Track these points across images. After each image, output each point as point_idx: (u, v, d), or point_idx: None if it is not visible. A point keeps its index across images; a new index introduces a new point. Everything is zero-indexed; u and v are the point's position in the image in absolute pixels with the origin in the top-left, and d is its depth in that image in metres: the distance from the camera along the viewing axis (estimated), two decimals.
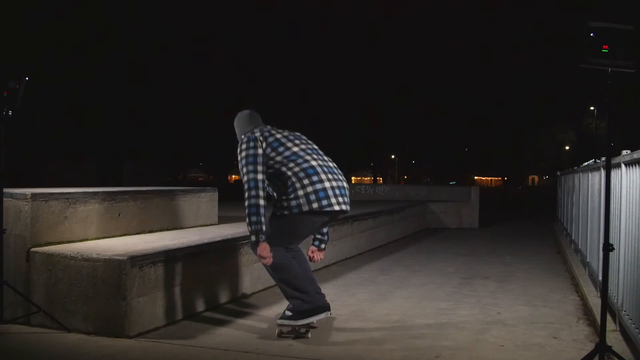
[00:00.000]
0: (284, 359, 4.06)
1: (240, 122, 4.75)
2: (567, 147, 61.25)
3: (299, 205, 4.34)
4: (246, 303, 5.77)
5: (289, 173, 4.36)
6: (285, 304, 4.70)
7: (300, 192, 4.32)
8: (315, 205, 4.31)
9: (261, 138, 4.45)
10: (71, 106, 27.36)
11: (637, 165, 4.06)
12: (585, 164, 8.24)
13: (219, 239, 5.73)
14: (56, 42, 25.66)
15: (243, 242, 6.03)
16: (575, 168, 9.96)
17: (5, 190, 4.83)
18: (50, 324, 4.61)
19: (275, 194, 4.51)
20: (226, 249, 5.73)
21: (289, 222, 4.42)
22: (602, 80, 3.64)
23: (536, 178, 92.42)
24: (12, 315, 4.73)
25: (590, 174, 7.06)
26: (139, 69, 28.84)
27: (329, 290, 6.42)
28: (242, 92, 35.27)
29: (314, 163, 4.45)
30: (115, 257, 4.52)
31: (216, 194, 7.63)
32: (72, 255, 4.65)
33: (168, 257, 4.91)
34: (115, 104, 28.42)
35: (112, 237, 5.71)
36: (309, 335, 4.54)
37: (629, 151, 4.33)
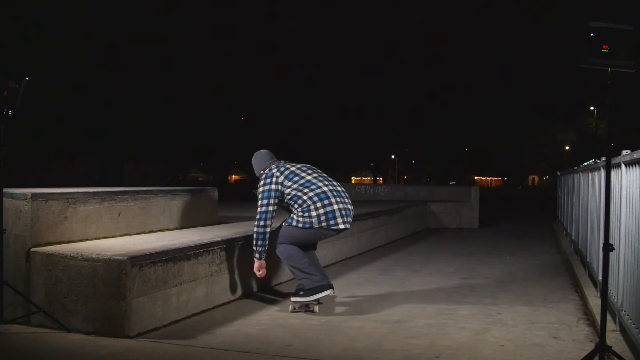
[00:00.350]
0: (284, 359, 4.06)
1: (258, 160, 5.60)
2: (567, 147, 61.22)
3: (311, 223, 5.29)
4: (246, 303, 5.77)
5: (305, 197, 5.30)
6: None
7: (314, 213, 5.27)
8: (324, 224, 5.28)
9: (277, 173, 5.38)
10: (71, 106, 27.35)
11: (637, 165, 4.06)
12: (585, 164, 8.24)
13: (219, 239, 5.73)
14: (57, 41, 25.65)
15: (243, 242, 6.03)
16: (575, 168, 9.96)
17: (5, 190, 4.82)
18: (50, 324, 4.61)
19: (291, 209, 5.41)
20: (226, 250, 5.73)
21: (300, 233, 5.34)
22: (602, 80, 3.64)
23: (536, 178, 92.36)
24: (12, 315, 4.73)
25: (590, 174, 7.06)
26: (139, 69, 28.84)
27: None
28: (243, 92, 35.27)
29: (325, 189, 5.36)
30: (115, 257, 4.52)
31: (216, 194, 7.64)
32: (72, 255, 4.65)
33: (168, 257, 4.91)
34: (115, 104, 28.42)
35: (112, 237, 5.71)
36: (317, 309, 5.38)
37: (629, 151, 4.33)
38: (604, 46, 3.57)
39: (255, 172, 5.60)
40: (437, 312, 5.47)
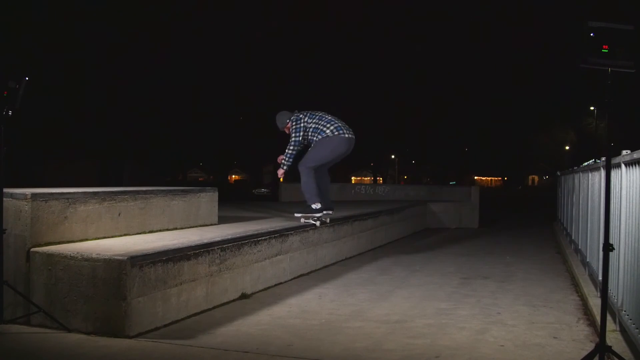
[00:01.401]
0: (284, 359, 4.06)
1: (281, 116, 7.88)
2: (567, 147, 61.20)
3: (326, 134, 7.56)
4: (246, 303, 5.77)
5: (322, 127, 7.62)
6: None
7: (328, 130, 7.60)
8: (336, 132, 7.59)
9: (301, 115, 7.73)
10: (72, 106, 27.35)
11: (637, 165, 4.06)
12: (585, 164, 8.24)
13: (219, 239, 5.74)
14: (57, 41, 25.65)
15: (243, 242, 6.03)
16: (575, 168, 9.96)
17: (5, 190, 4.83)
18: (50, 324, 4.61)
19: (314, 138, 7.66)
20: (226, 250, 5.73)
21: (325, 143, 7.56)
22: (602, 80, 3.63)
23: (536, 178, 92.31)
24: (12, 315, 4.73)
25: (590, 174, 7.06)
26: (139, 69, 28.83)
27: (329, 290, 6.43)
28: (243, 92, 35.24)
29: (333, 118, 7.76)
30: (115, 257, 4.52)
31: (216, 194, 7.64)
32: (72, 255, 4.65)
33: (168, 257, 4.91)
34: (115, 104, 28.41)
35: (112, 237, 5.71)
36: (318, 223, 7.77)
37: (629, 151, 4.33)
38: (604, 46, 3.57)
39: (279, 127, 7.88)
40: (437, 312, 5.47)
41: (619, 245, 4.41)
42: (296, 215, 7.81)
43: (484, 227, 14.83)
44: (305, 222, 7.71)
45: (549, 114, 54.15)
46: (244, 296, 5.96)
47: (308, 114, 7.74)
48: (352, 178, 65.36)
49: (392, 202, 14.28)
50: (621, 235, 4.41)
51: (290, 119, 7.72)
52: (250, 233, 6.31)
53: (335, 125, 7.63)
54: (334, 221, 8.50)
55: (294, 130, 7.65)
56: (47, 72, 23.46)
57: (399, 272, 7.82)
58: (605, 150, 4.02)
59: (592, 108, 49.30)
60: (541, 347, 4.39)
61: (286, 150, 7.63)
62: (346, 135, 7.62)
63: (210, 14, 32.29)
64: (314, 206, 7.67)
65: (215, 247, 5.56)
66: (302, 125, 7.63)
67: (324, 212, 7.82)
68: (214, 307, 5.48)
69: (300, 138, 7.63)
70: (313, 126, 7.61)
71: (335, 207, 8.27)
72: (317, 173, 7.74)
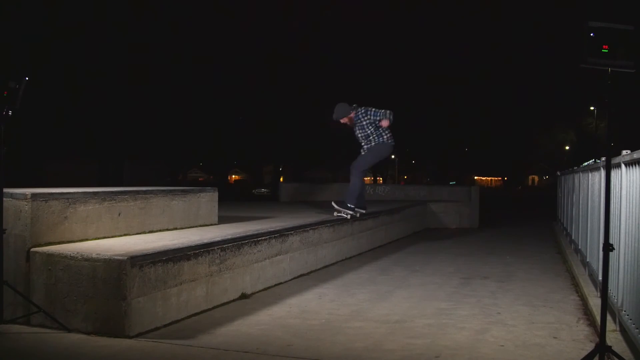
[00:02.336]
0: (284, 359, 4.06)
1: (342, 107, 8.66)
2: (567, 147, 61.22)
3: (384, 139, 8.59)
4: (246, 303, 5.77)
5: (381, 131, 8.56)
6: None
7: (385, 136, 8.60)
8: (389, 141, 8.66)
9: (363, 108, 8.63)
10: (71, 106, 27.36)
11: (637, 165, 4.06)
12: (585, 164, 8.24)
13: (219, 239, 5.74)
14: (57, 41, 25.65)
15: (243, 242, 6.03)
16: (575, 168, 9.96)
17: (5, 190, 4.83)
18: (50, 324, 4.61)
19: (371, 136, 8.63)
20: (226, 250, 5.73)
21: (377, 148, 8.63)
22: (602, 80, 3.63)
23: (536, 178, 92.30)
24: (12, 315, 4.73)
25: (590, 174, 7.06)
26: (139, 69, 28.84)
27: (329, 290, 6.43)
28: (242, 91, 35.24)
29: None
30: (115, 257, 4.52)
31: (216, 194, 7.64)
32: (72, 255, 4.65)
33: (168, 257, 4.91)
34: (115, 104, 28.42)
35: (112, 237, 5.71)
36: (349, 216, 8.85)
37: (629, 151, 4.33)
38: (604, 46, 3.57)
39: (336, 117, 8.66)
40: (437, 312, 5.47)
41: (619, 245, 4.41)
42: (333, 203, 8.99)
43: (484, 227, 14.83)
44: (337, 215, 8.77)
45: (549, 114, 54.15)
46: (244, 296, 5.96)
47: (365, 109, 8.67)
48: None
49: (392, 202, 14.28)
50: (621, 235, 4.41)
51: (354, 110, 8.59)
52: (250, 233, 6.31)
53: (389, 133, 8.66)
54: (333, 222, 8.52)
55: (371, 112, 8.50)
56: (48, 72, 23.45)
57: (399, 272, 7.82)
58: (606, 150, 4.02)
59: (592, 108, 49.32)
60: (541, 347, 4.39)
61: (376, 111, 8.49)
62: (393, 143, 8.79)
63: (209, 12, 32.29)
64: (349, 204, 8.78)
65: (215, 247, 5.56)
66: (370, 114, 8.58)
67: (356, 209, 8.90)
68: (214, 307, 5.48)
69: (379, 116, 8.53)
70: (374, 126, 8.55)
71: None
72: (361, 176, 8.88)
